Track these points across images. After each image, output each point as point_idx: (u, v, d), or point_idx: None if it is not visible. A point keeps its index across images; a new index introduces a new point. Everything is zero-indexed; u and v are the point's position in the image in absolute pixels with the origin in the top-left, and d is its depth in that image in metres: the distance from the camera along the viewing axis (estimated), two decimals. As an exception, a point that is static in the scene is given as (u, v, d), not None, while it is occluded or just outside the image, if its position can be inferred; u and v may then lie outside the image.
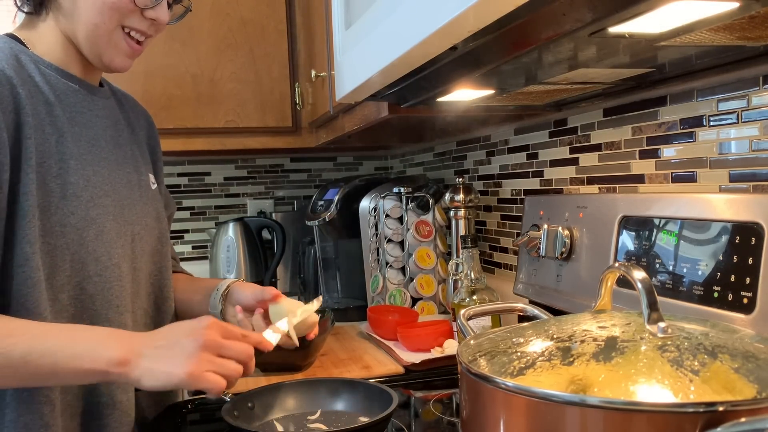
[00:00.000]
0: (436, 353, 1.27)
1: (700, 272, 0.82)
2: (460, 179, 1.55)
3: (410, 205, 1.64)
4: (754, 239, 0.75)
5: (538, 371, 0.56)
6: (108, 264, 0.90)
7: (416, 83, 0.92)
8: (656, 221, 0.91)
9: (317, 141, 1.80)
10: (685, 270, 0.84)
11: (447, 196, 1.54)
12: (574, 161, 1.26)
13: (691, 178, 0.97)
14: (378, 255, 1.66)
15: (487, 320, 1.24)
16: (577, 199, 1.12)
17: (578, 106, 1.16)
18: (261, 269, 2.06)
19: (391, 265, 1.64)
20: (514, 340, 0.64)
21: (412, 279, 1.62)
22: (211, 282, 1.14)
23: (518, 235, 1.26)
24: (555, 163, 1.33)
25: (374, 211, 1.68)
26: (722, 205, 0.81)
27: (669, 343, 0.56)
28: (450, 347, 1.27)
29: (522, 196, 1.47)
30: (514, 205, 1.51)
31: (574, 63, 0.80)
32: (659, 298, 0.61)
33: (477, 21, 0.60)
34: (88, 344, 0.77)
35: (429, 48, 0.71)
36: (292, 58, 1.86)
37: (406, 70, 0.83)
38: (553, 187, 1.33)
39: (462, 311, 0.78)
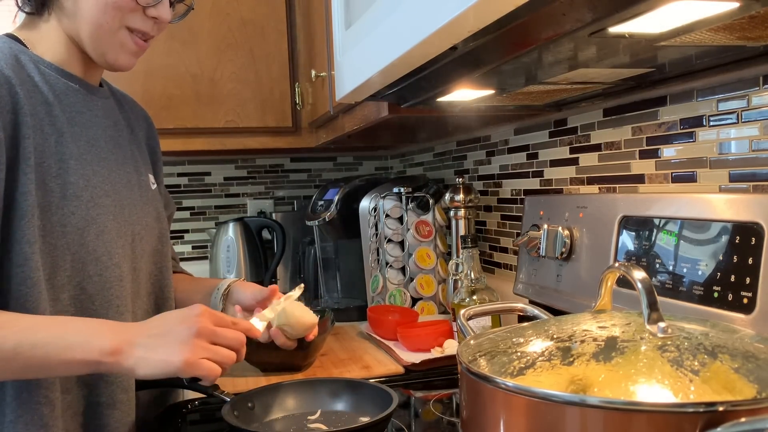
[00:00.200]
0: (436, 353, 1.27)
1: (700, 272, 0.82)
2: (460, 179, 1.55)
3: (410, 205, 1.64)
4: (754, 239, 0.75)
5: (538, 371, 0.56)
6: (108, 264, 0.90)
7: (416, 83, 0.92)
8: (656, 221, 0.91)
9: (317, 141, 1.80)
10: (685, 270, 0.84)
11: (447, 196, 1.54)
12: (574, 161, 1.26)
13: (691, 178, 0.97)
14: (378, 255, 1.66)
15: (487, 320, 1.24)
16: (577, 199, 1.11)
17: (578, 106, 1.16)
18: (261, 269, 2.06)
19: (391, 265, 1.64)
20: (514, 340, 0.64)
21: (412, 279, 1.62)
22: (211, 282, 1.14)
23: (518, 235, 1.26)
24: (555, 163, 1.33)
25: (374, 211, 1.68)
26: (722, 205, 0.81)
27: (669, 343, 0.56)
28: (450, 347, 1.27)
29: (522, 196, 1.47)
30: (514, 205, 1.51)
31: (574, 63, 0.80)
32: (659, 298, 0.61)
33: (477, 21, 0.60)
34: (79, 335, 0.77)
35: (429, 48, 0.71)
36: (292, 58, 1.86)
37: (406, 70, 0.83)
38: (553, 187, 1.33)
39: (462, 311, 0.78)
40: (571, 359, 0.56)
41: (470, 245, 1.29)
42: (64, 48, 0.91)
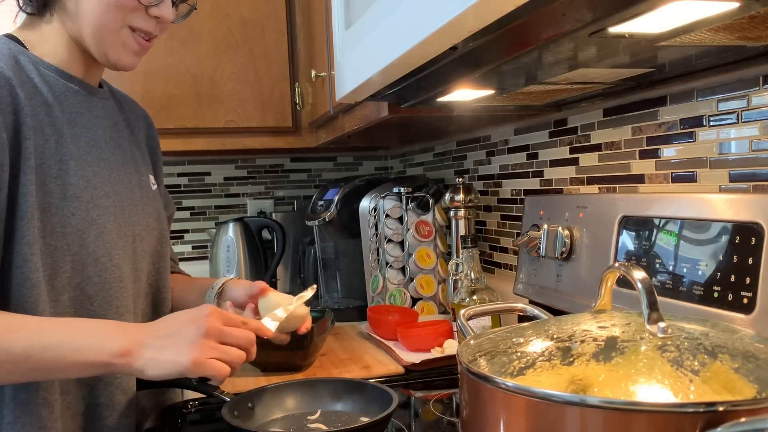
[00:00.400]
0: (436, 353, 1.26)
1: (700, 272, 0.82)
2: (460, 179, 1.55)
3: (410, 205, 1.64)
4: (754, 239, 0.75)
5: (538, 371, 0.56)
6: (108, 265, 0.90)
7: (416, 83, 0.92)
8: (656, 221, 0.91)
9: (317, 141, 1.80)
10: (685, 270, 0.84)
11: (447, 196, 1.54)
12: (574, 161, 1.26)
13: (691, 178, 0.97)
14: (378, 255, 1.66)
15: (487, 320, 1.24)
16: (577, 199, 1.11)
17: (578, 106, 1.16)
18: (261, 269, 2.06)
19: (391, 265, 1.64)
20: (514, 340, 0.64)
21: (412, 279, 1.62)
22: (206, 281, 1.14)
23: (518, 235, 1.26)
24: (555, 163, 1.33)
25: (374, 211, 1.68)
26: (722, 205, 0.81)
27: (669, 343, 0.56)
28: (450, 347, 1.27)
29: (522, 196, 1.47)
30: (514, 205, 1.51)
31: (574, 63, 0.80)
32: (659, 298, 0.61)
33: (477, 21, 0.60)
34: (89, 337, 0.78)
35: (429, 48, 0.71)
36: (292, 58, 1.86)
37: (406, 70, 0.83)
38: (553, 187, 1.33)
39: (462, 311, 0.78)
40: (571, 359, 0.56)
41: (470, 245, 1.29)
42: (65, 49, 0.91)
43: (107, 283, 0.90)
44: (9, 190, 0.81)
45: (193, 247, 2.28)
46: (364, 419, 0.92)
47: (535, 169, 1.41)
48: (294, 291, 1.02)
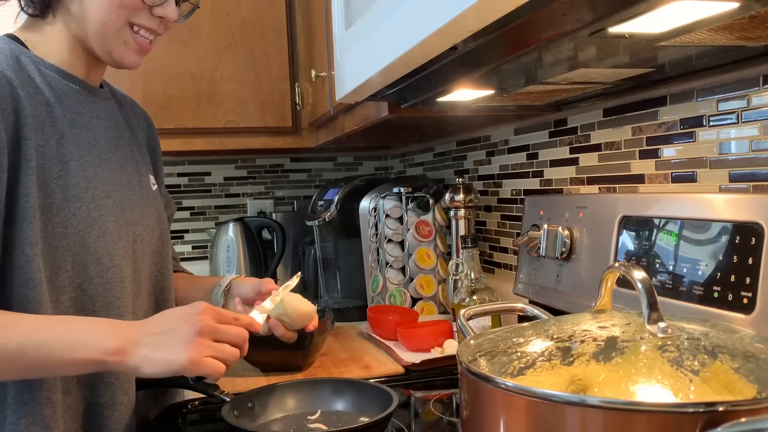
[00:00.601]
0: (436, 353, 1.27)
1: (700, 272, 0.82)
2: (460, 179, 1.55)
3: (410, 205, 1.64)
4: (754, 239, 0.75)
5: (538, 371, 0.56)
6: (109, 265, 0.90)
7: (416, 83, 0.92)
8: (656, 221, 0.91)
9: (317, 141, 1.80)
10: (685, 270, 0.84)
11: (447, 196, 1.54)
12: (574, 161, 1.26)
13: (691, 178, 0.97)
14: (378, 255, 1.66)
15: (487, 320, 1.24)
16: (577, 199, 1.12)
17: (578, 106, 1.16)
18: (261, 269, 2.06)
19: (391, 265, 1.64)
20: (514, 340, 0.64)
21: (412, 279, 1.62)
22: (212, 280, 1.14)
23: (518, 235, 1.26)
24: (555, 163, 1.33)
25: (374, 211, 1.68)
26: (722, 205, 0.81)
27: (669, 343, 0.56)
28: (450, 347, 1.27)
29: (522, 196, 1.47)
30: (514, 205, 1.51)
31: (574, 63, 0.80)
32: (659, 298, 0.61)
33: (477, 21, 0.60)
34: (83, 334, 0.77)
35: (429, 48, 0.71)
36: (292, 58, 1.86)
37: (406, 70, 0.83)
38: (553, 187, 1.33)
39: (462, 311, 0.78)
40: (571, 359, 0.56)
41: (470, 245, 1.29)
42: (67, 49, 0.92)
43: (108, 283, 0.90)
44: (10, 191, 0.81)
45: (193, 247, 2.28)
46: (364, 419, 0.92)
47: (535, 169, 1.41)
48: (294, 291, 1.02)
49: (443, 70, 0.83)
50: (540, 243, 1.16)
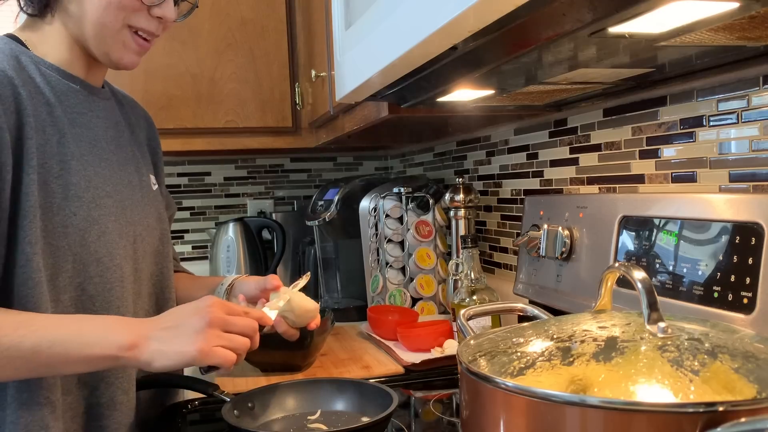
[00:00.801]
0: (436, 353, 1.26)
1: (700, 272, 0.82)
2: (460, 179, 1.55)
3: (410, 205, 1.64)
4: (754, 239, 0.75)
5: (538, 371, 0.56)
6: (110, 265, 0.90)
7: (416, 83, 0.92)
8: (656, 221, 0.91)
9: (317, 141, 1.80)
10: (685, 270, 0.84)
11: (447, 196, 1.54)
12: (574, 161, 1.26)
13: (691, 178, 0.97)
14: (378, 255, 1.66)
15: (487, 320, 1.24)
16: (577, 199, 1.12)
17: (578, 106, 1.16)
18: (261, 269, 2.06)
19: (391, 265, 1.64)
20: (514, 340, 0.64)
21: (412, 279, 1.62)
22: (213, 279, 1.14)
23: (518, 235, 1.26)
24: (555, 163, 1.33)
25: (374, 211, 1.68)
26: (722, 205, 0.81)
27: (669, 343, 0.56)
28: (450, 347, 1.27)
29: (522, 196, 1.47)
30: (514, 205, 1.51)
31: (574, 63, 0.80)
32: (659, 298, 0.61)
33: (477, 21, 0.60)
34: (96, 331, 0.79)
35: (429, 48, 0.71)
36: (292, 58, 1.86)
37: (406, 70, 0.83)
38: (553, 187, 1.33)
39: (462, 311, 0.78)
40: (571, 359, 0.56)
41: (470, 245, 1.29)
42: (66, 49, 0.92)
43: (108, 282, 0.90)
44: (12, 190, 0.81)
45: (193, 247, 2.28)
46: (364, 419, 0.92)
47: (535, 169, 1.41)
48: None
49: (443, 70, 0.83)
50: (540, 243, 1.16)
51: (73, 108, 0.91)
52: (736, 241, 0.77)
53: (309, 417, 0.97)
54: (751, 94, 0.87)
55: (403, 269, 1.64)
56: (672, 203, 0.89)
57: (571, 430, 0.51)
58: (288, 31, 1.85)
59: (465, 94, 1.02)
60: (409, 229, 1.63)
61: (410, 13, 0.71)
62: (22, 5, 0.91)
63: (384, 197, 1.66)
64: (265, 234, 2.12)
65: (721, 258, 0.79)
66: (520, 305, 0.81)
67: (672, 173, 1.01)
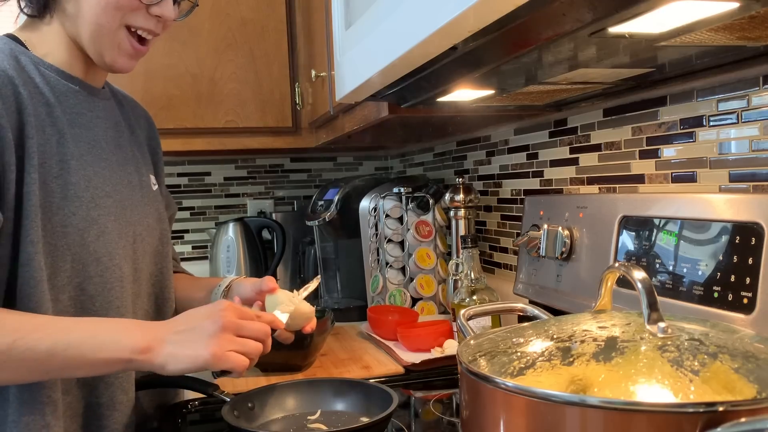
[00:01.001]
0: (436, 353, 1.27)
1: (700, 272, 0.82)
2: (460, 179, 1.55)
3: (410, 205, 1.64)
4: (754, 239, 0.75)
5: (538, 371, 0.56)
6: (109, 265, 0.90)
7: (416, 83, 0.92)
8: (656, 221, 0.91)
9: (317, 141, 1.80)
10: (685, 270, 0.84)
11: (447, 196, 1.54)
12: (574, 161, 1.26)
13: (691, 178, 0.97)
14: (378, 255, 1.66)
15: (487, 320, 1.24)
16: (577, 199, 1.12)
17: (578, 106, 1.16)
18: (261, 269, 2.06)
19: (391, 265, 1.64)
20: (514, 340, 0.64)
21: (412, 279, 1.62)
22: (212, 280, 1.14)
23: (518, 235, 1.26)
24: (555, 163, 1.33)
25: (374, 211, 1.68)
26: (722, 205, 0.81)
27: (669, 343, 0.56)
28: (450, 347, 1.27)
29: (522, 196, 1.47)
30: (514, 205, 1.51)
31: (574, 63, 0.80)
32: (659, 298, 0.61)
33: (477, 21, 0.60)
34: (111, 335, 0.79)
35: (429, 48, 0.71)
36: (292, 58, 1.86)
37: (406, 70, 0.83)
38: (553, 187, 1.33)
39: (462, 311, 0.78)
40: (571, 359, 0.56)
41: (470, 245, 1.29)
42: (65, 50, 0.91)
43: (108, 282, 0.90)
44: (15, 189, 0.81)
45: (193, 247, 2.28)
46: (364, 419, 0.92)
47: (535, 169, 1.41)
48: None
49: (443, 70, 0.83)
50: (540, 243, 1.16)
51: (73, 108, 0.91)
52: (736, 241, 0.77)
53: (309, 417, 0.97)
54: (751, 94, 0.87)
55: (403, 269, 1.64)
56: (672, 203, 0.89)
57: (571, 430, 0.51)
58: (288, 31, 1.85)
59: (465, 94, 1.02)
60: (409, 229, 1.63)
61: (410, 13, 0.71)
62: (22, 6, 0.91)
63: (384, 197, 1.66)
64: (265, 234, 2.12)
65: (721, 258, 0.79)
66: (520, 305, 0.81)
67: (672, 173, 1.01)
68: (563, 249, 1.10)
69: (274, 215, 2.15)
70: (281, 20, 1.84)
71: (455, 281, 1.40)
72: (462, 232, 1.54)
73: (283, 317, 0.93)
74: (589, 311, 0.69)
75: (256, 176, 2.33)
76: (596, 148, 1.19)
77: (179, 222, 2.23)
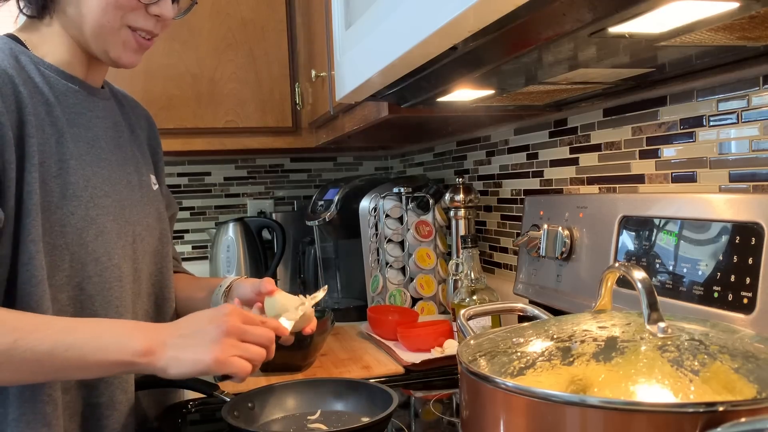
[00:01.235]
0: (436, 353, 1.27)
1: (700, 272, 0.82)
2: (460, 179, 1.55)
3: (410, 205, 1.64)
4: (754, 239, 0.75)
5: (538, 371, 0.56)
6: (108, 264, 0.90)
7: (416, 83, 0.92)
8: (656, 221, 0.91)
9: (317, 141, 1.80)
10: (685, 270, 0.84)
11: (447, 196, 1.54)
12: (574, 161, 1.26)
13: (691, 178, 0.97)
14: (378, 255, 1.66)
15: (487, 320, 1.24)
16: (577, 199, 1.12)
17: (578, 106, 1.16)
18: (261, 269, 2.06)
19: (391, 265, 1.64)
20: (514, 340, 0.64)
21: (412, 279, 1.62)
22: (213, 281, 1.14)
23: (518, 235, 1.26)
24: (555, 163, 1.33)
25: (374, 211, 1.68)
26: (722, 205, 0.81)
27: (669, 343, 0.56)
28: (450, 347, 1.27)
29: (522, 196, 1.47)
30: (514, 205, 1.51)
31: (574, 63, 0.80)
32: (659, 298, 0.61)
33: (477, 21, 0.60)
34: (113, 336, 0.79)
35: (429, 48, 0.71)
36: (292, 58, 1.86)
37: (406, 70, 0.83)
38: (553, 187, 1.33)
39: (462, 311, 0.78)
40: (571, 359, 0.56)
41: (470, 245, 1.29)
42: (66, 50, 0.92)
43: (107, 282, 0.90)
44: (16, 188, 0.81)
45: (193, 247, 2.28)
46: (364, 419, 0.92)
47: (535, 169, 1.41)
48: (294, 291, 1.02)
49: (443, 70, 0.83)
50: (540, 243, 1.16)
51: (72, 108, 0.91)
52: (736, 241, 0.77)
53: (309, 417, 0.97)
54: (751, 94, 0.87)
55: (403, 269, 1.64)
56: (672, 203, 0.89)
57: (571, 430, 0.51)
58: (288, 31, 1.85)
59: (465, 94, 1.02)
60: (409, 229, 1.63)
61: (410, 13, 0.71)
62: (21, 7, 0.91)
63: (384, 197, 1.66)
64: (265, 234, 2.12)
65: (721, 258, 0.79)
66: (520, 305, 0.81)
67: (672, 173, 1.01)
68: (563, 249, 1.10)
69: (274, 215, 2.15)
70: (281, 20, 1.84)
71: (455, 281, 1.40)
72: (462, 232, 1.54)
73: (288, 324, 0.92)
74: (589, 311, 0.69)
75: (256, 176, 2.33)
76: (596, 148, 1.19)
77: (179, 222, 2.23)
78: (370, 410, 0.95)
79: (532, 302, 1.11)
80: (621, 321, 0.63)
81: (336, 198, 1.79)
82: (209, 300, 1.07)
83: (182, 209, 2.24)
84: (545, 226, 1.16)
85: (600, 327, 0.62)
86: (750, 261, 0.75)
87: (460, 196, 1.52)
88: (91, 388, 0.90)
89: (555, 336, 0.62)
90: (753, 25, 0.64)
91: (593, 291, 0.73)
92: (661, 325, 0.58)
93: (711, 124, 0.93)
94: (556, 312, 0.85)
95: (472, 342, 0.67)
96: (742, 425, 0.45)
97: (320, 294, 1.01)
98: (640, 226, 0.94)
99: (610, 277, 0.70)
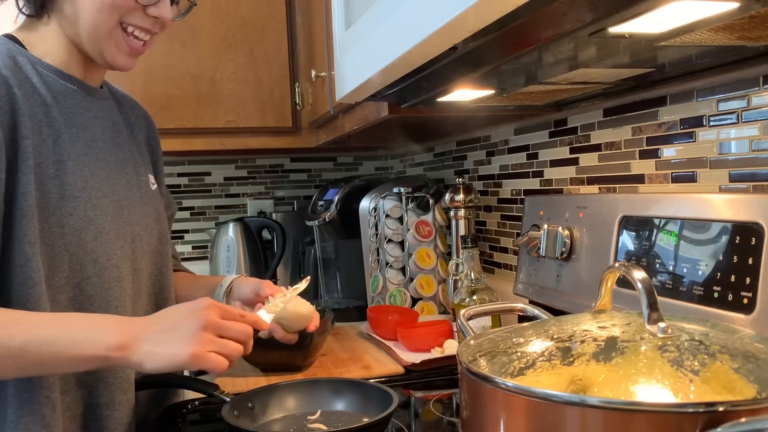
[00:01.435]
0: (436, 353, 1.26)
1: (700, 272, 0.82)
2: (460, 179, 1.55)
3: (410, 205, 1.64)
4: (754, 239, 0.75)
5: (538, 371, 0.56)
6: (107, 265, 0.90)
7: (416, 83, 0.92)
8: (656, 221, 0.91)
9: (317, 141, 1.80)
10: (685, 270, 0.84)
11: (447, 196, 1.54)
12: (574, 161, 1.26)
13: (691, 178, 0.97)
14: (378, 255, 1.66)
15: (487, 320, 1.24)
16: (577, 199, 1.11)
17: (578, 106, 1.16)
18: (261, 269, 2.06)
19: (391, 265, 1.64)
20: (514, 340, 0.64)
21: (412, 279, 1.62)
22: (213, 279, 1.14)
23: (518, 235, 1.26)
24: (555, 163, 1.33)
25: (374, 211, 1.68)
26: (722, 205, 0.81)
27: (669, 343, 0.56)
28: (450, 347, 1.27)
29: (522, 196, 1.47)
30: (514, 205, 1.51)
31: (574, 63, 0.80)
32: (659, 298, 0.61)
33: (477, 21, 0.60)
34: (86, 331, 0.78)
35: (429, 48, 0.71)
36: (292, 58, 1.86)
37: (406, 70, 0.83)
38: (553, 187, 1.33)
39: (462, 311, 0.78)
40: (571, 359, 0.56)
41: (470, 245, 1.29)
42: (64, 50, 0.92)
43: (106, 282, 0.90)
44: (8, 190, 0.81)
45: (193, 247, 2.28)
46: (364, 419, 0.92)
47: (535, 169, 1.41)
48: (301, 293, 1.02)
49: (443, 70, 0.83)
50: (540, 243, 1.16)
51: (70, 108, 0.91)
52: (736, 241, 0.77)
53: (309, 417, 0.97)
54: (751, 94, 0.87)
55: (403, 269, 1.64)
56: (672, 203, 0.89)
57: (571, 430, 0.51)
58: (288, 31, 1.85)
59: (465, 94, 1.02)
60: (409, 229, 1.63)
61: (410, 13, 0.71)
62: (20, 6, 0.91)
63: (384, 197, 1.66)
64: (265, 234, 2.12)
65: (721, 258, 0.79)
66: (520, 305, 0.81)
67: (672, 173, 1.01)
68: (563, 249, 1.10)
69: (274, 215, 2.15)
70: (281, 20, 1.84)
71: (455, 281, 1.40)
72: (462, 232, 1.54)
73: (267, 318, 0.92)
74: (589, 311, 0.69)
75: (256, 176, 2.33)
76: (596, 148, 1.19)
77: (179, 222, 2.23)
78: (370, 410, 0.95)
79: (532, 302, 1.11)
80: (621, 321, 0.63)
81: (336, 198, 1.79)
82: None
83: (182, 209, 2.24)
84: (545, 226, 1.16)
85: (600, 327, 0.62)
86: (750, 261, 0.75)
87: (460, 196, 1.52)
88: (90, 389, 0.90)
89: (555, 336, 0.62)
90: (753, 25, 0.64)
91: (593, 291, 0.73)
92: (661, 325, 0.58)
93: (711, 124, 0.93)
94: (556, 312, 0.85)
95: (472, 342, 0.67)
96: (742, 425, 0.45)
97: (302, 285, 1.01)
98: (640, 226, 0.94)
99: (610, 277, 0.70)
